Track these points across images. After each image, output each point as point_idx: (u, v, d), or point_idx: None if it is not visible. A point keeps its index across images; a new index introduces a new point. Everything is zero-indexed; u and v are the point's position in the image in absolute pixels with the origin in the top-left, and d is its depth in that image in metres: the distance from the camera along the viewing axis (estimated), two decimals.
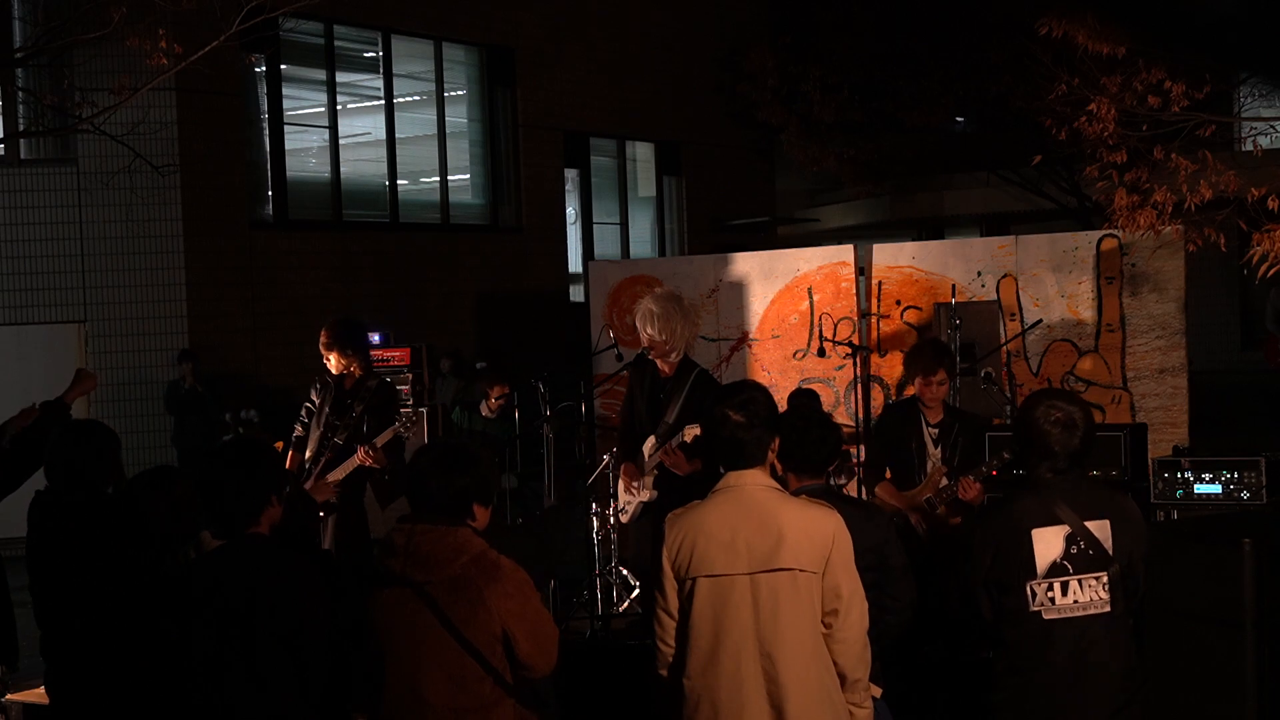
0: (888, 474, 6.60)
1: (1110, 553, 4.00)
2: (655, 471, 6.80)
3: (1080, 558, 4.00)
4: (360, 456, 6.81)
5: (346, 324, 7.20)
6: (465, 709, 3.66)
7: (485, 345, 14.72)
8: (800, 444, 4.41)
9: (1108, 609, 4.00)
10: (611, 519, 8.28)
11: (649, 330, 6.74)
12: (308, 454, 7.04)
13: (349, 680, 3.89)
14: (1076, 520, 4.00)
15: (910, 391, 6.64)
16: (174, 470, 4.83)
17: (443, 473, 3.76)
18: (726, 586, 3.83)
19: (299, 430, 7.12)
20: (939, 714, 5.67)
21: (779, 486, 4.03)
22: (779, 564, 3.84)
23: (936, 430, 6.47)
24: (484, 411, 10.33)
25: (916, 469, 6.42)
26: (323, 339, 7.11)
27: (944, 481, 6.25)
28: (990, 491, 6.78)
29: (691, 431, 6.45)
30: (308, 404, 7.18)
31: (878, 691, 4.12)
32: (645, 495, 6.85)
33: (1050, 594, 3.98)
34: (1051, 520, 4.01)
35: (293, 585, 3.83)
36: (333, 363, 7.06)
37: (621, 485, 7.09)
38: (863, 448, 7.89)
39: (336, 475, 6.89)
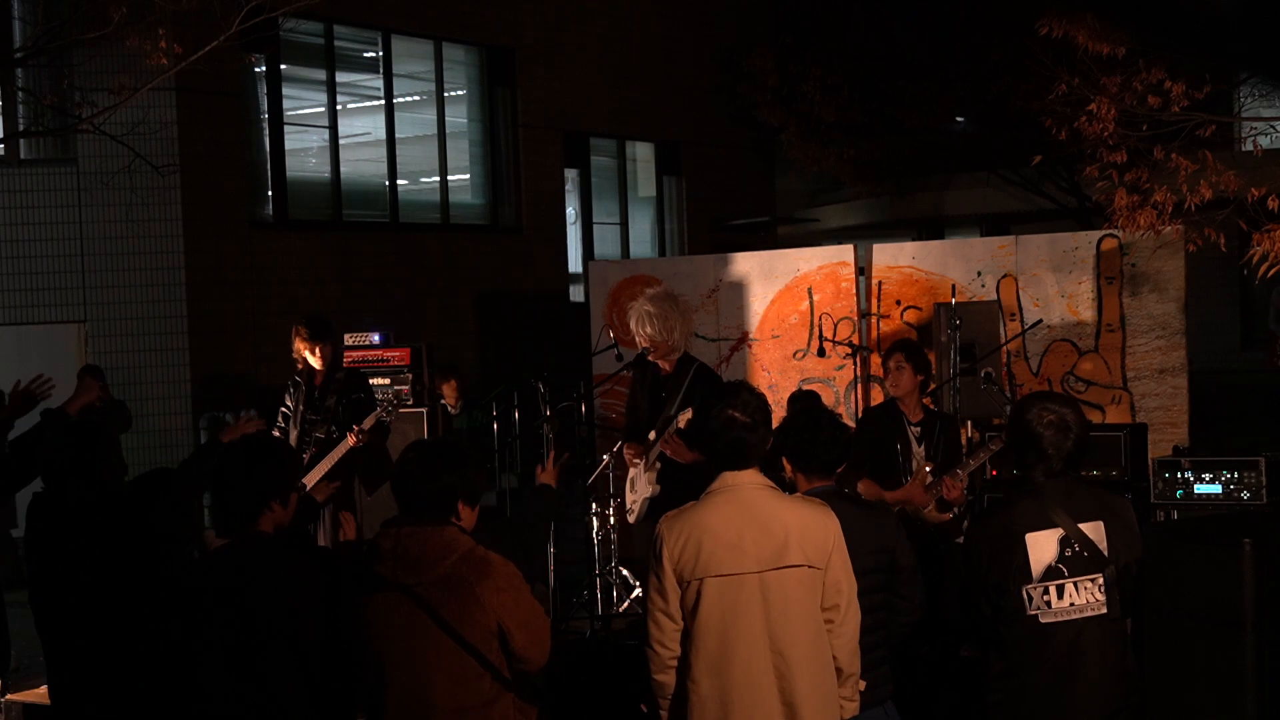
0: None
1: (1105, 554, 3.99)
2: (658, 466, 6.79)
3: (1075, 560, 3.99)
4: (351, 440, 7.07)
5: (321, 320, 7.41)
6: (469, 707, 3.65)
7: (485, 345, 14.73)
8: (811, 445, 4.36)
9: (1104, 610, 3.99)
10: (612, 519, 8.28)
11: (648, 330, 6.74)
12: None
13: (350, 681, 3.87)
14: (1070, 523, 4.00)
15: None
16: (173, 472, 4.83)
17: (428, 469, 3.75)
18: (735, 586, 3.83)
19: (276, 435, 7.21)
20: (939, 714, 5.67)
21: (773, 484, 4.03)
22: (788, 561, 3.84)
23: (918, 429, 6.55)
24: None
25: (901, 468, 6.45)
26: (303, 337, 7.27)
27: (930, 479, 6.29)
28: (991, 492, 6.81)
29: (684, 417, 6.46)
30: (283, 408, 7.31)
31: (862, 685, 4.12)
32: (649, 491, 6.84)
33: (1046, 597, 3.98)
34: (1045, 524, 4.00)
35: (296, 583, 3.82)
36: (315, 358, 7.22)
37: (628, 481, 7.07)
38: None
39: (327, 464, 7.05)
